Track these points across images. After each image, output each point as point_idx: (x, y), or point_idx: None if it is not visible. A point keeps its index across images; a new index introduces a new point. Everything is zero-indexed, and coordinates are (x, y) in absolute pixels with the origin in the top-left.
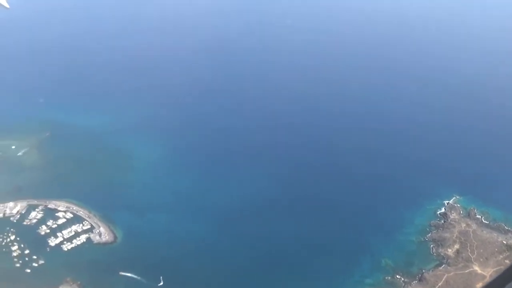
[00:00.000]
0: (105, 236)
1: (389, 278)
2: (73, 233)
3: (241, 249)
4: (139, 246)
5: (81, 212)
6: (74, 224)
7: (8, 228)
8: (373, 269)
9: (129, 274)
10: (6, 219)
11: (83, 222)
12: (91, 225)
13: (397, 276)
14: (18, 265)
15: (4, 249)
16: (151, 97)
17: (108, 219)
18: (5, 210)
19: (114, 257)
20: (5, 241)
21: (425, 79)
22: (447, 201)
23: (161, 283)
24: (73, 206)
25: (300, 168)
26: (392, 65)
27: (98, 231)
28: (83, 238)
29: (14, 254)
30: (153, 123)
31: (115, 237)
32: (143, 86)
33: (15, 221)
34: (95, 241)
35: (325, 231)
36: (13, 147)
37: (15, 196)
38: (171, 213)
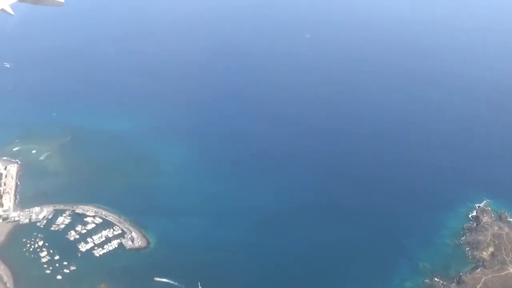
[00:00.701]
0: (138, 241)
1: (428, 281)
2: (103, 238)
3: (277, 254)
4: (173, 251)
5: (110, 217)
6: (104, 229)
7: (35, 234)
8: (411, 272)
9: (164, 280)
10: (32, 225)
11: (114, 227)
12: (122, 230)
13: (436, 279)
14: (48, 271)
15: (32, 255)
16: (171, 100)
17: (139, 224)
18: (31, 216)
19: (148, 263)
20: (33, 247)
21: (452, 87)
22: (478, 205)
23: None
24: (101, 211)
25: (330, 174)
26: (418, 73)
27: (130, 236)
28: (114, 243)
29: (44, 260)
30: (174, 127)
31: (148, 242)
32: (162, 89)
33: (42, 226)
34: (128, 247)
35: (360, 236)
36: (34, 151)
37: (41, 201)
38: (202, 217)
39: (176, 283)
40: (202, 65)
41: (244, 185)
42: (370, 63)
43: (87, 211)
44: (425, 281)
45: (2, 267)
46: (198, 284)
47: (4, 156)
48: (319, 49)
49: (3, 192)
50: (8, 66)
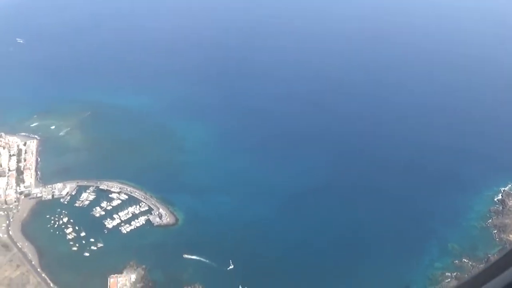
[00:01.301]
0: (166, 218)
1: (457, 262)
2: (130, 215)
3: (304, 232)
4: (201, 229)
5: (136, 193)
6: (131, 206)
7: (59, 210)
8: (441, 253)
9: (194, 257)
10: (56, 201)
11: (140, 204)
12: (149, 206)
13: (465, 260)
14: (75, 248)
15: (57, 232)
16: (187, 77)
17: (166, 200)
18: (53, 192)
19: (177, 240)
20: (57, 223)
21: (480, 72)
22: (503, 188)
23: (231, 267)
24: (126, 187)
25: (354, 155)
26: (446, 58)
27: (157, 213)
28: (142, 220)
29: (69, 237)
30: (192, 104)
31: (176, 219)
32: (178, 66)
33: (65, 202)
34: (155, 223)
35: (387, 217)
36: (53, 127)
37: (63, 177)
38: (228, 194)
39: (206, 261)
40: (216, 42)
41: (267, 163)
42: (393, 44)
43: (112, 187)
44: (454, 262)
45: (26, 243)
46: (229, 261)
47: (23, 132)
48: (342, 26)
49: (24, 168)
50: (21, 41)
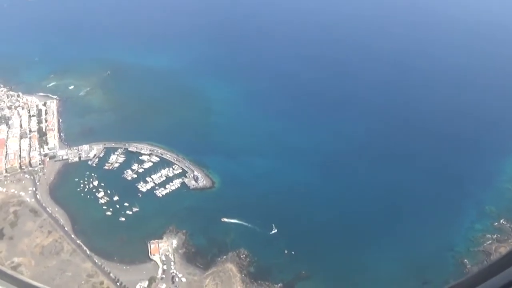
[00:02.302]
0: (202, 181)
1: (496, 224)
2: (164, 178)
3: (344, 194)
4: (239, 192)
5: (167, 155)
6: (163, 168)
7: (88, 173)
8: (479, 215)
9: (233, 221)
10: (83, 163)
11: (173, 166)
12: (183, 169)
13: (503, 222)
14: (109, 213)
15: (88, 196)
16: (210, 37)
17: (199, 163)
18: (80, 154)
19: (214, 203)
20: (87, 187)
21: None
22: None
23: (275, 231)
24: (156, 149)
25: (387, 121)
26: (481, 28)
27: (192, 175)
28: (177, 183)
29: (102, 201)
30: (216, 64)
31: (213, 182)
32: (200, 26)
33: (94, 165)
34: (191, 187)
35: (424, 181)
36: (72, 87)
37: (88, 138)
38: (263, 156)
39: (248, 224)
40: (237, 2)
41: (298, 125)
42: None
43: (141, 149)
44: (494, 224)
45: (56, 209)
46: (272, 226)
47: (41, 92)
48: None
49: (47, 130)
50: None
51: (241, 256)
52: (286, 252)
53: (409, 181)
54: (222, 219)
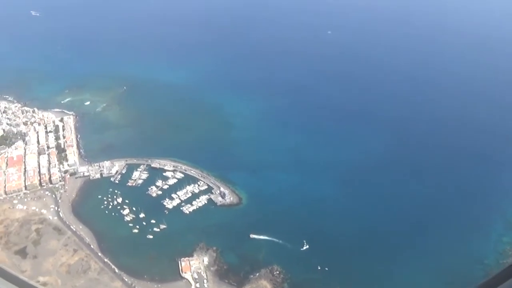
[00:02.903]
0: (229, 198)
1: None
2: (190, 194)
3: (370, 209)
4: (266, 207)
5: (192, 171)
6: (189, 185)
7: (111, 190)
8: (506, 228)
9: (262, 237)
10: (105, 180)
11: (198, 183)
12: (208, 185)
13: None
14: (136, 230)
15: (113, 213)
16: (222, 52)
17: (224, 179)
18: (101, 170)
19: (242, 220)
20: (111, 204)
21: None
22: None
23: (306, 247)
24: (179, 165)
25: (409, 135)
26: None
27: (218, 192)
28: (203, 199)
29: (127, 218)
30: (230, 78)
31: (239, 198)
32: (210, 41)
33: (117, 182)
34: (218, 203)
35: (448, 195)
36: (88, 102)
37: (108, 155)
38: (287, 171)
39: (279, 241)
40: (251, 17)
41: (318, 139)
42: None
43: (164, 165)
44: None
45: (81, 226)
46: (303, 242)
47: (56, 108)
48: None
49: (66, 146)
50: (38, 15)
51: (274, 273)
52: (319, 268)
53: (433, 194)
54: (250, 236)
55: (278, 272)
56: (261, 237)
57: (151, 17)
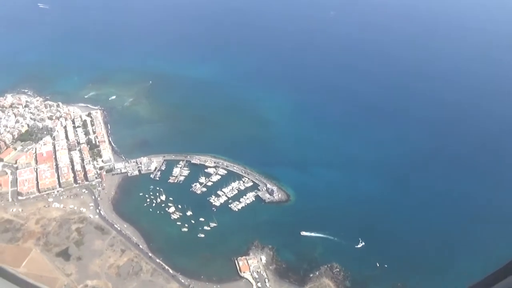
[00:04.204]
0: (277, 194)
1: None
2: (236, 191)
3: (419, 203)
4: (315, 204)
5: (234, 167)
6: (233, 181)
7: (152, 187)
8: None
9: (312, 234)
10: (145, 177)
11: (243, 179)
12: (253, 182)
13: None
14: (185, 229)
15: (158, 211)
16: (249, 47)
17: (269, 175)
18: (139, 167)
19: (292, 217)
20: (154, 202)
21: None
22: None
23: (362, 244)
24: (220, 161)
25: (451, 132)
26: None
27: (265, 188)
28: (250, 196)
29: (174, 216)
30: (259, 74)
31: (288, 195)
32: (234, 37)
33: (157, 178)
34: (267, 200)
35: (498, 190)
36: (113, 97)
37: (143, 150)
38: (331, 167)
39: (332, 237)
40: (285, 12)
41: (357, 136)
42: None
43: (205, 161)
44: None
45: (125, 225)
46: (358, 239)
47: (80, 102)
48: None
49: (99, 141)
50: (47, 7)
51: (334, 271)
52: (378, 265)
53: (484, 190)
54: (301, 233)
55: (338, 269)
56: (312, 234)
57: (175, 12)
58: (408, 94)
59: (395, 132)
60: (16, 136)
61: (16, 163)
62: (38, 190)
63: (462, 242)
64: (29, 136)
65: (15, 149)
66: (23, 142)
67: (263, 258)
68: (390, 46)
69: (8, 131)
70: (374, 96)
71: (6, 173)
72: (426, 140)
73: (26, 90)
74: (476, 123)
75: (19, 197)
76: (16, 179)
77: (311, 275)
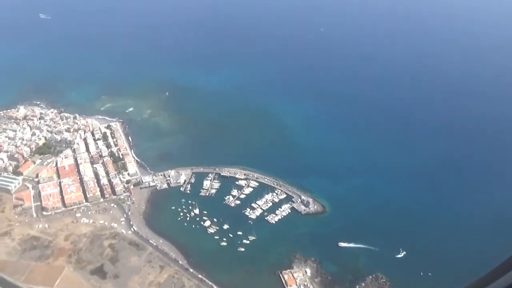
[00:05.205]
0: (313, 206)
1: None
2: (270, 203)
3: (453, 210)
4: (350, 214)
5: (265, 179)
6: (267, 193)
7: (183, 201)
8: None
9: (351, 245)
10: (174, 190)
11: (275, 191)
12: (287, 194)
13: None
14: (224, 243)
15: (193, 225)
16: (264, 56)
17: (301, 186)
18: (168, 180)
19: (330, 228)
20: (188, 215)
21: None
22: None
23: (403, 253)
24: (250, 173)
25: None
26: None
27: (299, 200)
28: (286, 208)
29: (211, 230)
30: (273, 84)
31: (323, 206)
32: (250, 46)
33: (188, 191)
34: (303, 212)
35: None
36: (131, 109)
37: (170, 163)
38: (362, 176)
39: (371, 247)
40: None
41: (383, 144)
42: None
43: (235, 173)
44: None
45: (161, 240)
46: (399, 249)
47: (97, 115)
48: None
49: (123, 154)
50: (49, 18)
51: (380, 281)
52: (421, 274)
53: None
54: (339, 244)
55: (383, 280)
56: (351, 245)
57: (171, 17)
58: (432, 99)
59: (424, 139)
60: (33, 149)
61: (37, 177)
62: (64, 205)
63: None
64: (47, 149)
65: (34, 162)
66: (41, 155)
67: (308, 271)
68: (400, 54)
69: (25, 144)
70: (388, 103)
71: (27, 188)
72: (457, 147)
73: (38, 102)
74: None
75: (44, 213)
76: (39, 193)
77: (357, 287)
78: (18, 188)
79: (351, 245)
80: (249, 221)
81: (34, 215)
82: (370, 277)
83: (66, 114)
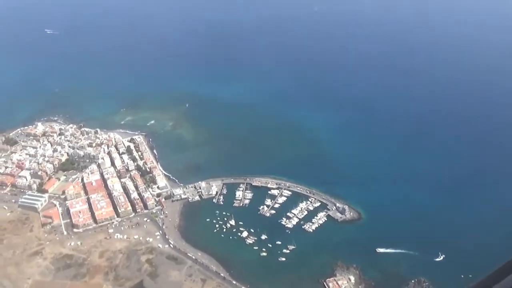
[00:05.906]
0: (349, 213)
1: None
2: (305, 212)
3: (494, 215)
4: (386, 221)
5: (298, 188)
6: (301, 202)
7: (218, 212)
8: None
9: (389, 250)
10: (207, 202)
11: (309, 200)
12: (321, 202)
13: None
14: (264, 254)
15: (231, 237)
16: (281, 68)
17: (334, 194)
18: (199, 192)
19: (366, 234)
20: (225, 227)
21: None
22: None
23: (442, 257)
24: (281, 182)
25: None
26: None
27: (334, 208)
28: (322, 216)
29: (249, 241)
30: (295, 94)
31: (359, 213)
32: (267, 57)
33: (221, 203)
34: (339, 219)
35: None
36: (152, 121)
37: (198, 175)
38: (394, 182)
39: (410, 252)
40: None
41: (412, 152)
42: None
43: (266, 183)
44: None
45: (199, 253)
46: (438, 253)
47: (118, 128)
48: None
49: (151, 168)
50: (57, 33)
51: (423, 285)
52: (462, 276)
53: None
54: (377, 250)
55: (426, 283)
56: (389, 250)
57: (180, 30)
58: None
59: (456, 148)
60: (56, 165)
61: (63, 194)
62: (95, 221)
63: None
64: (71, 165)
65: (59, 179)
66: (65, 172)
67: (352, 278)
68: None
69: (48, 161)
70: (430, 115)
71: (55, 205)
72: (488, 154)
73: (55, 118)
74: None
75: (75, 230)
76: (68, 210)
77: None
78: (45, 206)
79: (389, 250)
80: (287, 230)
81: (65, 232)
82: (413, 281)
83: (86, 129)
